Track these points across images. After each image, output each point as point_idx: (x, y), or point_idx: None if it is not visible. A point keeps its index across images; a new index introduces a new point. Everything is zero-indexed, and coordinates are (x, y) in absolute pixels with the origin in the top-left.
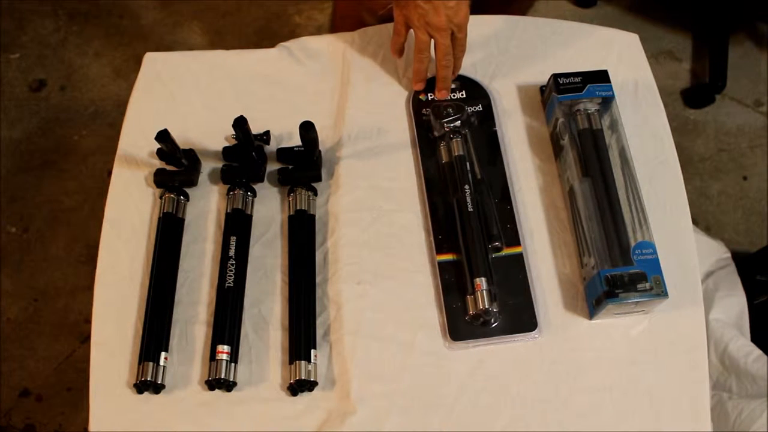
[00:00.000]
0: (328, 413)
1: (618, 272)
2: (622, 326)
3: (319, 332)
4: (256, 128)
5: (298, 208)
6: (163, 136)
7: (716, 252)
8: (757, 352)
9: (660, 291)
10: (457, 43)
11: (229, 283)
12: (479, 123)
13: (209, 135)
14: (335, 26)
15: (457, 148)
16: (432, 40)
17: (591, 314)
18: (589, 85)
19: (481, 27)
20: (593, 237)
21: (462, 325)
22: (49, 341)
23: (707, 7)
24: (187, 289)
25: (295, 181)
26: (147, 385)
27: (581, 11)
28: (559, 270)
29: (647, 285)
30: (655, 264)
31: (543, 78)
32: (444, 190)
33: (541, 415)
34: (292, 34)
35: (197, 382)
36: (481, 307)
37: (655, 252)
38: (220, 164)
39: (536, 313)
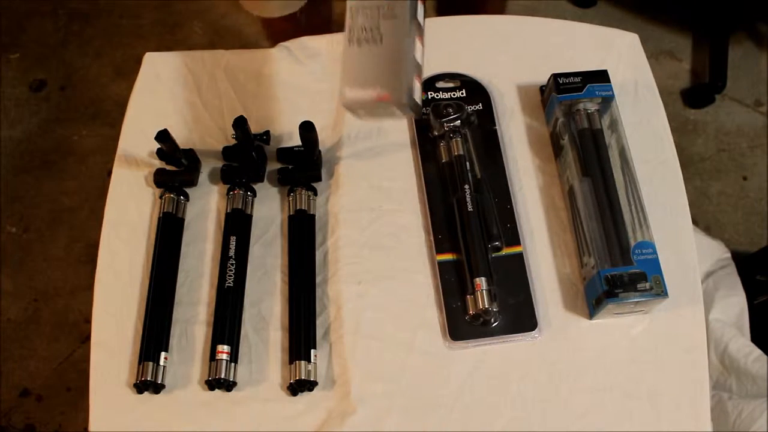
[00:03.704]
0: (328, 413)
1: (618, 272)
2: (622, 326)
3: (319, 332)
4: (256, 128)
5: (298, 208)
6: (163, 136)
7: (716, 252)
8: (757, 352)
9: (660, 291)
10: None
11: (229, 283)
12: (479, 122)
13: (209, 135)
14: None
15: (457, 147)
16: None
17: (591, 314)
18: (588, 85)
19: (481, 27)
20: (593, 237)
21: (462, 324)
22: (49, 341)
23: (707, 7)
24: (187, 289)
25: (295, 181)
26: (147, 385)
27: (581, 11)
28: (559, 270)
29: (647, 285)
30: (655, 264)
31: (543, 78)
32: (444, 189)
33: (541, 415)
34: None
35: (197, 382)
36: (481, 307)
37: (655, 252)
38: (220, 164)
39: (536, 313)
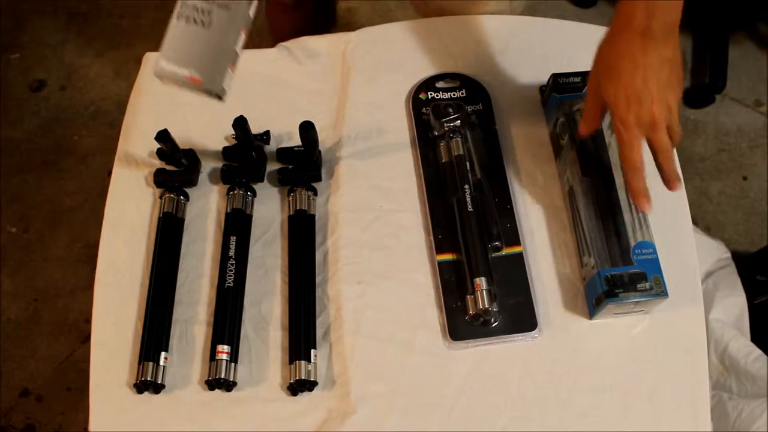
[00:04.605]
0: (328, 413)
1: (618, 272)
2: (622, 326)
3: (319, 332)
4: (256, 128)
5: (298, 207)
6: (163, 136)
7: (716, 252)
8: (757, 352)
9: (660, 291)
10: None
11: (229, 283)
12: (479, 122)
13: (209, 135)
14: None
15: (457, 147)
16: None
17: (591, 314)
18: None
19: (481, 27)
20: (593, 237)
21: (462, 325)
22: (49, 341)
23: (707, 7)
24: (187, 289)
25: (295, 181)
26: (147, 385)
27: (581, 11)
28: (559, 270)
29: (647, 285)
30: (655, 264)
31: (543, 78)
32: (444, 189)
33: (541, 415)
34: None
35: (197, 382)
36: (481, 307)
37: (655, 252)
38: (220, 164)
39: (536, 313)
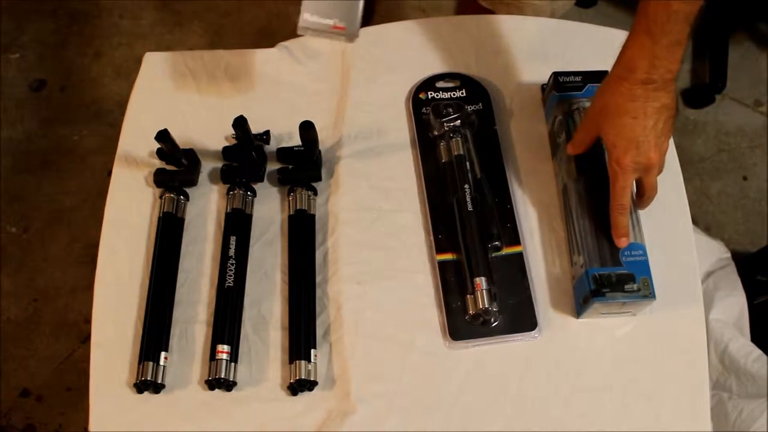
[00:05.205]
0: (328, 413)
1: (606, 272)
2: (622, 326)
3: (319, 332)
4: (256, 128)
5: (298, 207)
6: (163, 136)
7: (716, 252)
8: (757, 352)
9: (647, 293)
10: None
11: (229, 282)
12: (479, 122)
13: (209, 135)
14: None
15: (457, 147)
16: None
17: (578, 313)
18: (588, 85)
19: (481, 27)
20: (583, 235)
21: (462, 324)
22: (49, 341)
23: (707, 8)
24: (187, 289)
25: (295, 180)
26: (147, 384)
27: (581, 11)
28: (560, 270)
29: (635, 286)
30: (644, 266)
31: (543, 78)
32: (444, 189)
33: (541, 415)
34: (293, 33)
35: (197, 382)
36: (481, 307)
37: (645, 254)
38: (220, 164)
39: (536, 313)
